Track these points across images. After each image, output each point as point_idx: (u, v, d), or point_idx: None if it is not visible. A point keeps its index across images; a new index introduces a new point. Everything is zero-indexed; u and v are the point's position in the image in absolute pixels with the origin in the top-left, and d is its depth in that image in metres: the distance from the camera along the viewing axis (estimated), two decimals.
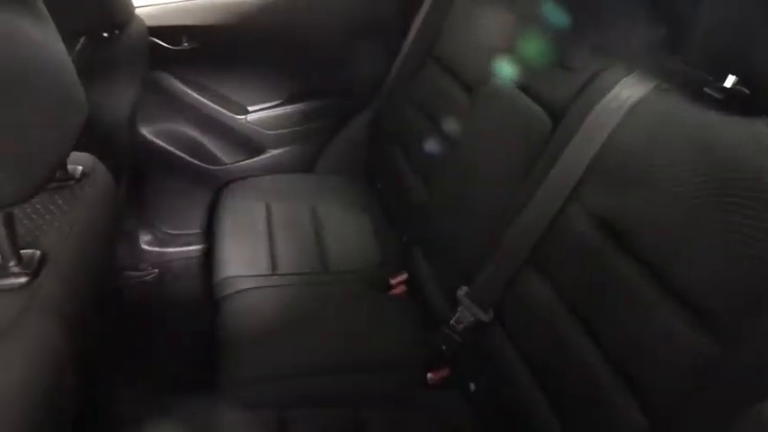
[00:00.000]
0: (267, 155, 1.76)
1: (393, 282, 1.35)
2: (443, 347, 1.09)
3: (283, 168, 1.74)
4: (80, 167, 0.63)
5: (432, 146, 1.34)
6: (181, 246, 1.83)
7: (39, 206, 0.56)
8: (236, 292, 1.26)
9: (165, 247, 1.83)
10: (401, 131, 1.52)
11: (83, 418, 0.54)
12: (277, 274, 1.32)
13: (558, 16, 0.94)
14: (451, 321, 1.05)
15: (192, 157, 1.71)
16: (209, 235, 1.53)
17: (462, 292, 1.04)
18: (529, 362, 0.91)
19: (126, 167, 1.49)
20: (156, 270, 1.81)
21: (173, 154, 1.68)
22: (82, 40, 1.06)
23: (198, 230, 1.79)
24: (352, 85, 1.73)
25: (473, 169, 1.15)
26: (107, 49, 1.13)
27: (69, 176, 0.60)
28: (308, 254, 1.39)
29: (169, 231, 1.82)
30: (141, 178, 1.69)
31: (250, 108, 1.70)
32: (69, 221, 0.54)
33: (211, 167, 1.74)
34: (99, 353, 0.76)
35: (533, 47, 1.00)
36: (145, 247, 1.80)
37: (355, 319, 1.23)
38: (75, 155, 0.66)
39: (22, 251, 0.48)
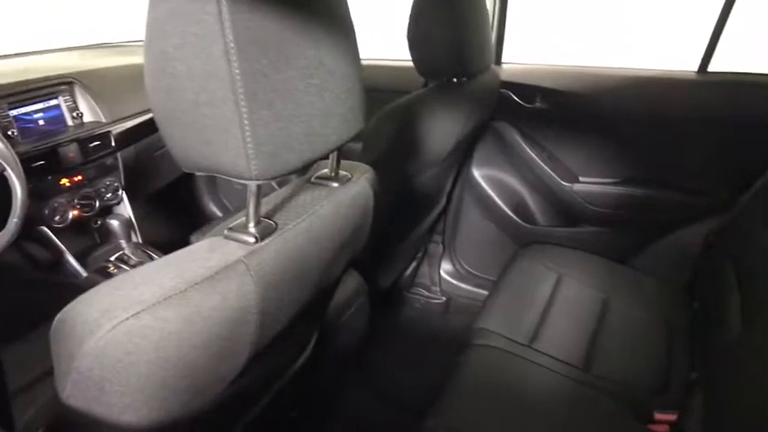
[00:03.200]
0: (582, 229, 1.68)
1: (657, 416, 1.11)
2: None
3: (594, 248, 1.61)
4: (348, 174, 0.72)
5: None
6: (472, 285, 1.91)
7: (299, 192, 0.68)
8: (485, 346, 1.24)
9: (460, 281, 1.94)
10: (742, 254, 1.24)
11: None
12: (532, 348, 1.24)
13: None
14: None
15: (509, 209, 1.76)
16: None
17: None
18: None
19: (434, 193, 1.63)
20: (444, 298, 1.94)
21: (493, 200, 1.77)
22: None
23: (493, 278, 1.84)
24: (704, 184, 1.49)
25: None
26: (452, 91, 1.27)
27: (337, 178, 0.71)
28: (575, 344, 1.26)
29: (468, 268, 1.92)
30: (458, 213, 1.83)
31: (581, 178, 1.64)
32: (309, 211, 0.63)
33: (524, 224, 1.75)
34: (296, 335, 0.85)
35: None
36: (443, 274, 1.95)
37: None
38: (358, 165, 0.77)
39: (262, 218, 0.59)
